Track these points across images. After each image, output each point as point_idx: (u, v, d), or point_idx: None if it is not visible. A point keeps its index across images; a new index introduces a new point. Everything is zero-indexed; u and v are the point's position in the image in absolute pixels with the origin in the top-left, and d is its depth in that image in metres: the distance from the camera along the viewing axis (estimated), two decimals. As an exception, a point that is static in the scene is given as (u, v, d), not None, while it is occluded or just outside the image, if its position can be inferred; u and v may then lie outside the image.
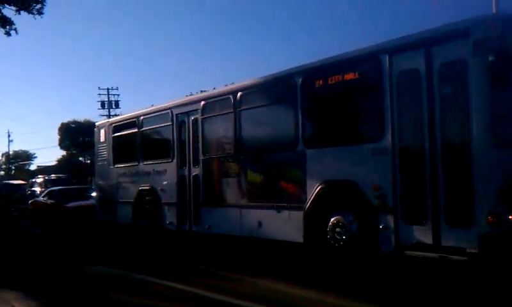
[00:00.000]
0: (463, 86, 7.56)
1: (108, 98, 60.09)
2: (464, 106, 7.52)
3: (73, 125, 63.82)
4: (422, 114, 7.99)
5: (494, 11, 23.08)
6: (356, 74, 9.05)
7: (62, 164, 64.66)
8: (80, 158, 66.96)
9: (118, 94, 60.78)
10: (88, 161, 63.83)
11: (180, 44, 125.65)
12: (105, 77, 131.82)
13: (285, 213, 10.16)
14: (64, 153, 67.92)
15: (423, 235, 7.92)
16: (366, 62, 8.96)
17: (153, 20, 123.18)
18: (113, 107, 59.78)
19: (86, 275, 9.96)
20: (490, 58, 7.22)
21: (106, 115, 56.51)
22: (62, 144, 64.62)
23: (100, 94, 59.67)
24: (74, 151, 65.96)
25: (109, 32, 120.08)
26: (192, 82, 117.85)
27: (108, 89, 59.86)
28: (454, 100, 7.78)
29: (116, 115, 46.05)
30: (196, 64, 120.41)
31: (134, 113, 15.37)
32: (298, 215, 9.81)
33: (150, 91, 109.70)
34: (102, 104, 59.79)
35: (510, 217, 7.19)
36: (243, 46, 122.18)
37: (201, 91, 13.42)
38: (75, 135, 63.03)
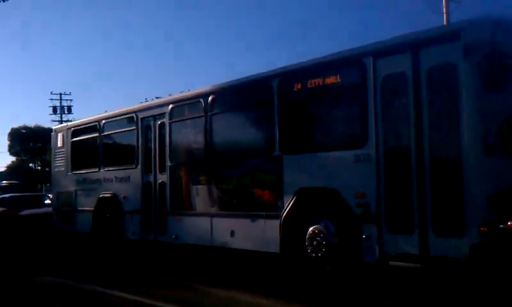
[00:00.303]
0: (452, 90, 7.30)
1: (60, 103, 58.64)
2: (454, 111, 7.26)
3: (24, 131, 61.62)
4: (408, 119, 7.69)
5: (445, 23, 23.53)
6: (338, 77, 8.70)
7: (12, 170, 62.36)
8: (31, 165, 64.79)
9: (71, 100, 59.37)
10: (39, 167, 61.85)
11: (136, 50, 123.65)
12: (57, 82, 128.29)
13: (260, 222, 9.71)
14: (14, 159, 65.63)
15: (409, 244, 7.61)
16: (348, 65, 8.64)
17: (108, 26, 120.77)
18: (65, 112, 58.40)
19: (35, 286, 9.37)
20: (482, 62, 7.00)
21: (58, 120, 55.16)
22: (12, 150, 62.30)
23: (52, 99, 58.16)
24: (24, 158, 63.72)
25: (62, 37, 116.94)
26: (148, 89, 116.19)
27: (61, 94, 58.35)
28: (442, 104, 7.49)
29: (68, 121, 44.84)
30: (153, 71, 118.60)
31: (94, 117, 14.63)
32: (274, 224, 9.35)
33: (104, 97, 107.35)
34: (54, 109, 58.27)
35: (501, 225, 6.96)
36: (204, 54, 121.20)
37: (156, 98, 12.95)
38: (26, 141, 60.94)
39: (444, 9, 24.65)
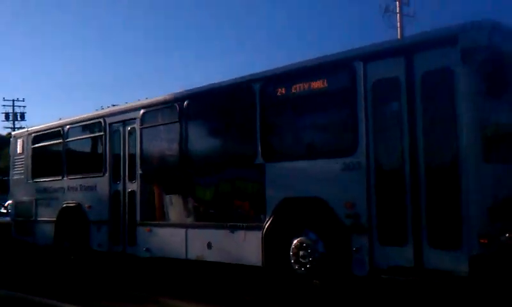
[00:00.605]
0: (449, 96, 7.00)
1: (13, 109, 57.17)
2: (451, 117, 6.95)
3: (-26, 137, 59.50)
4: (401, 126, 7.37)
5: (399, 36, 23.83)
6: (325, 82, 8.31)
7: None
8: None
9: (24, 106, 58.00)
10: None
11: (93, 57, 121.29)
12: (10, 88, 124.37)
13: (240, 233, 9.20)
14: (-38, 166, 63.15)
15: (403, 257, 7.24)
16: (337, 69, 8.27)
17: (63, 32, 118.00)
18: (18, 119, 57.05)
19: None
20: (480, 67, 6.74)
21: (11, 127, 53.80)
22: (-39, 158, 59.98)
23: (4, 105, 56.69)
24: (-26, 165, 61.38)
25: (14, 42, 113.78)
26: (106, 96, 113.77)
27: (13, 100, 56.80)
28: (438, 110, 7.19)
29: (21, 128, 43.49)
30: (110, 79, 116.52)
31: (58, 122, 13.85)
32: (256, 236, 8.87)
33: (59, 104, 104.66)
34: (7, 116, 57.02)
35: (501, 237, 6.70)
36: (161, 61, 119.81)
37: (113, 105, 12.42)
38: (-24, 148, 58.75)
39: (398, 23, 25.04)
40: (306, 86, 8.52)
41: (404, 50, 7.45)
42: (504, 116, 7.26)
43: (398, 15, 25.22)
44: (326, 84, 8.31)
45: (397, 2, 25.16)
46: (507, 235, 6.78)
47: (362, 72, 7.80)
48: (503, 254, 6.72)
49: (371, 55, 7.82)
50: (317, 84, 8.38)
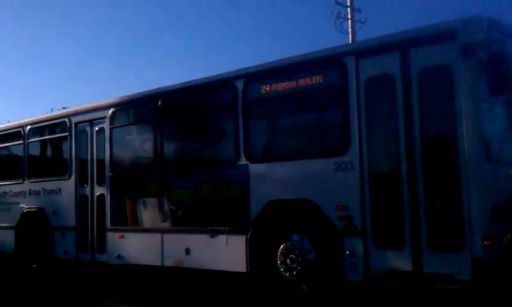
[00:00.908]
0: (447, 93, 6.74)
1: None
2: (450, 115, 6.68)
3: None
4: (397, 124, 7.06)
5: (350, 41, 23.89)
6: (314, 79, 7.92)
7: None
8: None
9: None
10: None
11: (40, 59, 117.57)
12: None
13: (222, 238, 8.74)
14: None
15: (400, 260, 6.95)
16: (326, 65, 7.89)
17: (9, 33, 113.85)
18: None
19: None
20: (481, 63, 6.51)
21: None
22: None
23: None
24: None
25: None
26: (57, 99, 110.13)
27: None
28: (436, 107, 6.92)
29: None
30: (61, 80, 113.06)
31: (18, 122, 13.04)
32: (239, 240, 8.43)
33: (4, 109, 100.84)
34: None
35: (504, 239, 6.48)
36: (117, 61, 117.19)
37: (64, 108, 11.93)
38: None
39: (350, 29, 25.12)
40: (293, 83, 8.14)
41: (400, 45, 7.15)
42: (506, 113, 7.05)
43: (350, 21, 25.29)
44: (315, 81, 7.93)
45: (349, 9, 25.28)
46: (508, 236, 6.58)
47: (354, 68, 7.48)
48: (505, 257, 6.51)
49: (364, 51, 7.52)
50: (306, 81, 8.00)
